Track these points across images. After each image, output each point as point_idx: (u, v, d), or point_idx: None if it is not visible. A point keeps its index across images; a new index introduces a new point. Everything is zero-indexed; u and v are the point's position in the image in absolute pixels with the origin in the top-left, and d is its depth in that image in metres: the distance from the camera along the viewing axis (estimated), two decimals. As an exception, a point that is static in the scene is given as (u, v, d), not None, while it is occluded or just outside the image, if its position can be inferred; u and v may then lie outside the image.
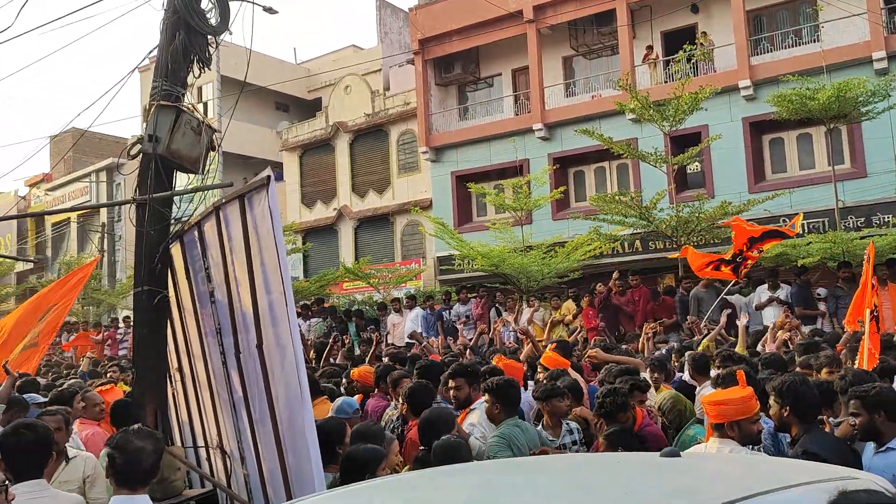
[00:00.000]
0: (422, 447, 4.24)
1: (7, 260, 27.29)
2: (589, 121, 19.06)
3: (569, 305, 12.92)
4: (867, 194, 15.65)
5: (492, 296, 13.71)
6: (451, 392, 5.27)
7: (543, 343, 10.36)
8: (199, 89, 27.62)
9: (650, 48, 19.57)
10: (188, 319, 5.20)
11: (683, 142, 15.66)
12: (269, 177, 3.54)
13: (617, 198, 13.30)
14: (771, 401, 4.08)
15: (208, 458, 5.17)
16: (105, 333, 17.28)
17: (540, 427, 5.06)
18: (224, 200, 4.10)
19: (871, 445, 3.90)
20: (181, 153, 4.88)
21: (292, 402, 3.59)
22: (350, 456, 3.67)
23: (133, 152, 4.96)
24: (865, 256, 7.08)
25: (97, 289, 23.20)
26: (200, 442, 5.28)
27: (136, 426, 3.45)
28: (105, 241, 28.16)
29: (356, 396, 6.57)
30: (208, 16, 5.14)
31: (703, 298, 11.16)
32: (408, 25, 24.62)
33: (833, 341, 7.51)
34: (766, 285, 11.86)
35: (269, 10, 18.37)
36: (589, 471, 2.57)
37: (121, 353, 16.93)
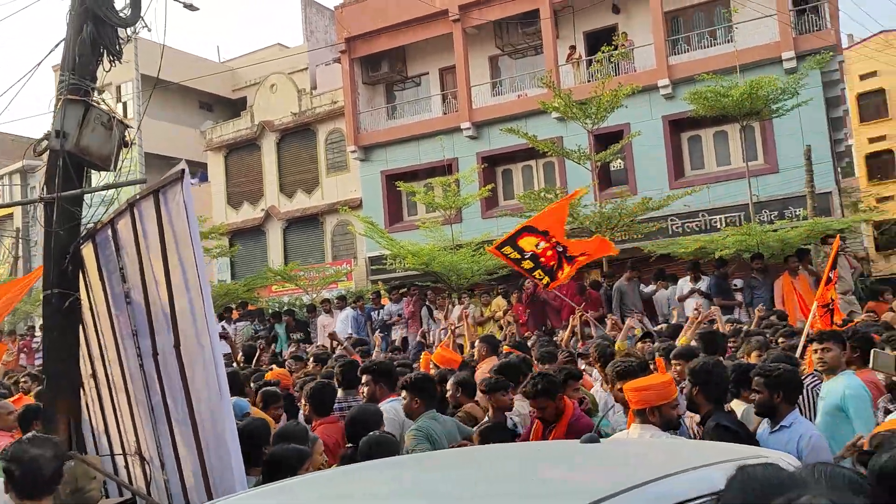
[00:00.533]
0: (349, 444, 4.20)
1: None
2: (515, 119, 19.26)
3: (499, 302, 13.03)
4: (779, 189, 16.34)
5: (423, 294, 13.71)
6: (361, 388, 5.32)
7: (472, 341, 10.46)
8: (119, 88, 26.73)
9: (573, 48, 19.94)
10: (102, 323, 5.00)
11: (607, 140, 16.01)
12: (182, 170, 3.43)
13: (543, 195, 13.50)
14: (685, 381, 4.23)
15: (126, 466, 4.99)
16: (20, 342, 16.51)
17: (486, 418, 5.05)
18: (138, 196, 3.96)
19: (766, 424, 4.10)
20: (91, 150, 4.69)
21: (213, 403, 3.50)
22: (273, 457, 3.60)
23: (40, 149, 4.74)
24: (830, 251, 6.82)
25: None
26: (118, 450, 5.09)
27: (30, 434, 3.32)
28: (20, 246, 26.90)
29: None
30: (119, 6, 4.96)
31: (625, 291, 11.44)
32: (334, 24, 24.39)
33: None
34: (688, 277, 12.26)
35: (190, 7, 17.91)
36: (507, 460, 2.59)
37: (37, 362, 16.20)
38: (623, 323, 9.16)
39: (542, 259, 9.29)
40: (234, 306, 16.59)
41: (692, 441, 3.64)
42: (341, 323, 13.70)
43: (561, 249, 9.24)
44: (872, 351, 3.83)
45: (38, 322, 21.37)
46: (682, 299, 11.98)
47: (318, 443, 4.14)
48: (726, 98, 12.80)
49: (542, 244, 9.20)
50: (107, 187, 4.65)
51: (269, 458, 3.60)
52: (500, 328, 12.57)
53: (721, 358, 5.63)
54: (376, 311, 14.17)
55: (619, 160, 18.08)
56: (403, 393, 4.90)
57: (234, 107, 28.98)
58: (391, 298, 14.03)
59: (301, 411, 5.61)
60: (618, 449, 2.93)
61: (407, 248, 14.29)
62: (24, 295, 10.07)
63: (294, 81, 24.33)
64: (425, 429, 4.44)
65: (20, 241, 27.83)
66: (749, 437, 3.94)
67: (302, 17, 26.62)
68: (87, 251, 4.87)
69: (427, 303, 13.55)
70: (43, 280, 4.66)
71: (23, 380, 9.42)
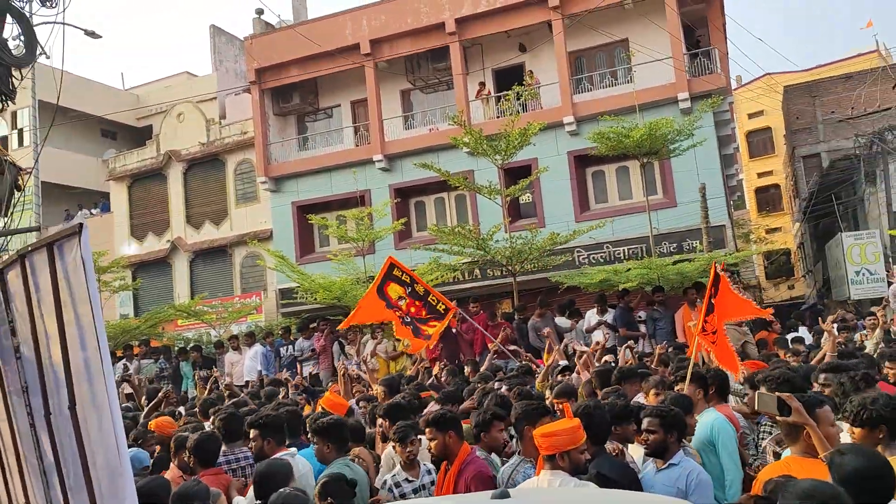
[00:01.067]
0: (258, 501, 4.11)
1: None
2: (428, 153, 19.51)
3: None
4: (677, 222, 17.15)
5: (333, 329, 13.56)
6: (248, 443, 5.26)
7: (378, 378, 10.38)
8: (14, 115, 25.49)
9: (482, 84, 20.42)
10: (-10, 377, 4.74)
11: (516, 174, 16.42)
12: (80, 224, 3.32)
13: (457, 230, 13.68)
14: None
15: (15, 529, 4.71)
16: None
17: (398, 468, 5.01)
18: (30, 248, 3.79)
19: (650, 464, 4.28)
20: (-19, 196, 4.48)
21: (111, 467, 3.36)
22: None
23: (-78, 195, 4.49)
24: (709, 279, 6.63)
25: None
26: (6, 511, 4.81)
27: None
28: None
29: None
30: (13, 45, 4.79)
31: (539, 327, 11.67)
32: (243, 53, 24.11)
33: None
34: (594, 309, 12.64)
35: (93, 35, 17.39)
36: None
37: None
38: (536, 361, 9.36)
39: (410, 310, 9.27)
40: (135, 343, 15.95)
41: (601, 490, 3.75)
42: (250, 360, 13.39)
43: (429, 300, 9.27)
44: (756, 393, 4.07)
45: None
46: (589, 331, 12.32)
47: (220, 498, 4.05)
48: (627, 139, 13.40)
49: (404, 299, 9.21)
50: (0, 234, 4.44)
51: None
52: (414, 363, 12.59)
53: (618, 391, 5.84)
54: (285, 347, 13.91)
55: (528, 194, 18.56)
56: (315, 438, 4.91)
57: (139, 135, 28.11)
58: (302, 335, 13.80)
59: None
60: (544, 500, 2.99)
61: (318, 281, 14.14)
62: None
63: (202, 111, 23.84)
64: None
65: None
66: (632, 482, 4.09)
67: (210, 46, 26.19)
68: (-28, 302, 4.61)
69: (339, 338, 13.41)
70: (-77, 334, 4.38)
71: None
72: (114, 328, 17.40)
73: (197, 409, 8.13)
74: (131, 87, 29.87)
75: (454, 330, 12.10)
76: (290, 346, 13.93)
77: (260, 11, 22.87)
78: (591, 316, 12.62)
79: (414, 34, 20.15)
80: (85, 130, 27.11)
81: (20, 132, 26.09)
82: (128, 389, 10.76)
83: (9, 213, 4.58)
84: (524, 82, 17.79)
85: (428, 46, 20.07)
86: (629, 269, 13.54)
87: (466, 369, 9.95)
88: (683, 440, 4.44)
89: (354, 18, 20.79)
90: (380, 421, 6.13)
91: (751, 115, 36.99)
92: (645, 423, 4.24)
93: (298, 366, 12.92)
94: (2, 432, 4.71)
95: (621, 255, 17.19)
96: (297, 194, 21.68)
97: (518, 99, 16.83)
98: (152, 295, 23.39)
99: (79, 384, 3.56)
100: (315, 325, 13.80)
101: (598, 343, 9.48)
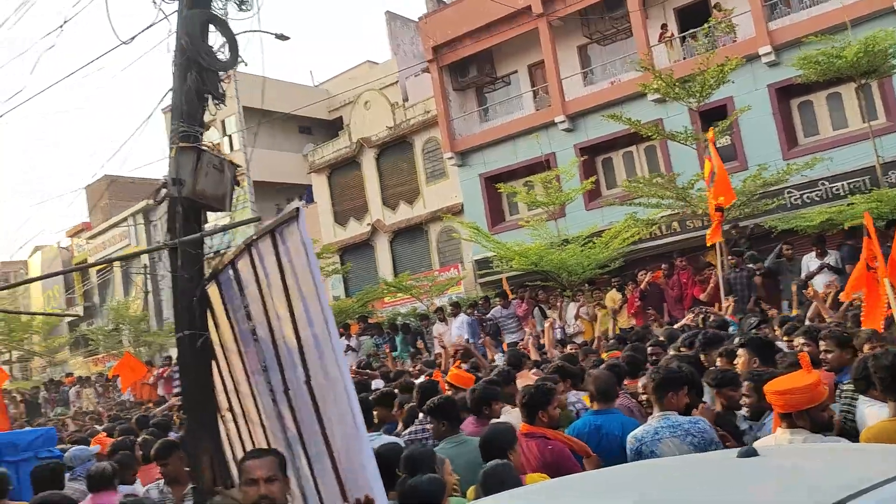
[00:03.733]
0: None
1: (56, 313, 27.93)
2: (611, 107, 18.82)
3: (613, 296, 12.72)
4: (908, 147, 15.12)
5: (533, 294, 13.54)
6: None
7: (601, 335, 10.18)
8: (223, 122, 28.00)
9: (665, 27, 19.25)
10: (233, 359, 5.17)
11: (708, 117, 15.33)
12: (297, 209, 3.47)
13: (656, 181, 13.00)
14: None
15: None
16: (158, 371, 17.52)
17: None
18: (255, 237, 4.06)
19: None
20: (206, 193, 4.86)
21: (348, 437, 3.51)
22: (413, 490, 3.57)
23: (159, 198, 4.96)
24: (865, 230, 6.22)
25: (146, 330, 23.62)
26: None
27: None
28: (148, 282, 28.63)
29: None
30: (218, 51, 5.12)
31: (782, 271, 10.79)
32: (419, 34, 24.64)
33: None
34: (813, 253, 11.52)
35: (281, 37, 18.47)
36: (693, 476, 2.45)
37: (175, 391, 17.16)
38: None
39: None
40: (351, 322, 16.98)
41: (863, 445, 3.33)
42: (457, 329, 13.74)
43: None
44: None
45: (173, 352, 22.67)
46: (810, 277, 11.25)
47: (445, 464, 4.11)
48: (840, 59, 11.96)
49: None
50: (224, 228, 4.81)
51: (407, 490, 3.57)
52: (615, 322, 12.26)
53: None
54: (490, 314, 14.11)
55: (727, 136, 17.28)
56: (430, 417, 5.11)
57: (332, 127, 29.75)
58: (501, 304, 13.89)
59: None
60: (798, 458, 2.71)
61: (513, 249, 14.14)
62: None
63: (387, 96, 24.72)
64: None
65: (147, 276, 29.60)
66: None
67: (388, 32, 27.00)
68: (213, 291, 5.04)
69: (539, 303, 13.37)
70: (175, 323, 4.86)
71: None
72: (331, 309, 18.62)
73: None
74: (320, 83, 31.63)
75: (660, 286, 11.60)
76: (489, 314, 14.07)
77: (431, -11, 23.18)
78: (810, 260, 11.51)
79: (587, -15, 19.42)
80: (284, 129, 29.15)
81: (230, 138, 28.63)
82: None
83: (231, 207, 4.92)
84: (712, 18, 16.46)
85: (602, -4, 19.25)
86: (851, 205, 12.16)
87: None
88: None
89: (523, -21, 20.41)
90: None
91: None
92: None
93: (501, 333, 13.04)
94: (248, 410, 5.12)
95: (840, 190, 15.51)
96: (483, 166, 21.87)
97: (707, 37, 15.66)
98: (359, 276, 24.81)
99: (311, 360, 3.73)
100: (514, 292, 13.85)
101: (828, 286, 8.59)
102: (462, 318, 14.00)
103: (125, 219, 30.47)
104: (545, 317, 13.06)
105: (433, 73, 22.44)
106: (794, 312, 9.10)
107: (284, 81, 29.30)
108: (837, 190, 15.62)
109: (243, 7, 5.05)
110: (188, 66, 4.90)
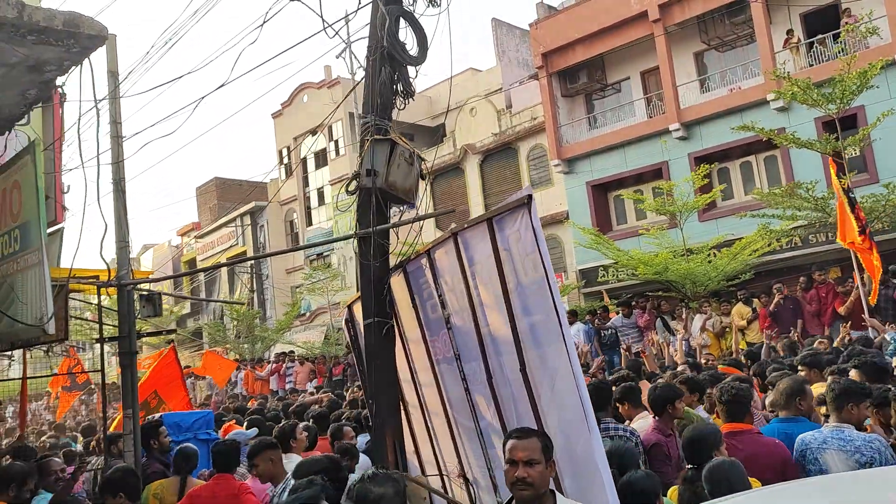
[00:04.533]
0: (690, 465, 4.03)
1: (173, 307, 29.23)
2: (729, 115, 18.42)
3: (740, 309, 12.25)
4: None
5: (655, 305, 13.23)
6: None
7: (729, 350, 9.86)
8: (330, 129, 28.71)
9: (790, 32, 18.55)
10: (413, 348, 5.24)
11: (833, 127, 14.65)
12: (528, 196, 3.48)
13: (797, 190, 12.43)
14: None
15: (444, 487, 5.15)
16: (273, 366, 18.04)
17: None
18: (465, 225, 4.10)
19: None
20: (397, 185, 4.96)
21: (568, 427, 3.47)
22: (629, 485, 3.51)
23: (351, 188, 5.08)
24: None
25: (255, 326, 24.40)
26: (431, 470, 5.28)
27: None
28: (254, 280, 29.59)
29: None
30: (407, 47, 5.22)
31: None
32: (525, 42, 24.63)
33: None
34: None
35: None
36: None
37: (287, 386, 17.63)
38: None
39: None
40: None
41: None
42: (573, 337, 13.54)
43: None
44: None
45: (276, 350, 23.33)
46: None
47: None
48: None
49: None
50: (418, 218, 4.89)
51: (624, 486, 3.51)
52: (743, 336, 11.84)
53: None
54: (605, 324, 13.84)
55: (856, 147, 16.46)
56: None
57: (432, 134, 30.05)
58: (622, 313, 13.62)
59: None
60: None
61: (638, 257, 13.85)
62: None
63: (493, 103, 24.79)
64: None
65: (253, 275, 30.61)
66: None
67: (493, 39, 27.10)
68: (395, 281, 5.13)
69: (661, 314, 13.05)
70: (363, 310, 4.96)
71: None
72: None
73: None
74: (423, 90, 32.02)
75: (798, 299, 11.12)
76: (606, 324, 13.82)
77: (542, -4, 23.15)
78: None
79: (706, -10, 18.96)
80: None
81: (336, 143, 29.33)
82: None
83: (417, 200, 4.99)
84: (845, 23, 15.75)
85: (723, 1, 18.72)
86: None
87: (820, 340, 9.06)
88: None
89: (640, -14, 20.11)
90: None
91: None
92: None
93: (623, 342, 12.76)
94: (427, 399, 5.17)
95: None
96: (590, 174, 21.60)
97: (835, 41, 14.95)
98: (458, 282, 24.84)
99: (526, 348, 3.71)
100: (635, 302, 13.55)
101: None
102: (578, 326, 13.80)
103: (233, 219, 31.62)
104: (667, 328, 12.74)
105: (542, 80, 22.35)
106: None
107: (389, 88, 29.79)
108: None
109: (433, 3, 5.12)
110: (382, 60, 5.01)
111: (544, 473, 2.99)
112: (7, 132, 5.09)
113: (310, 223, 30.14)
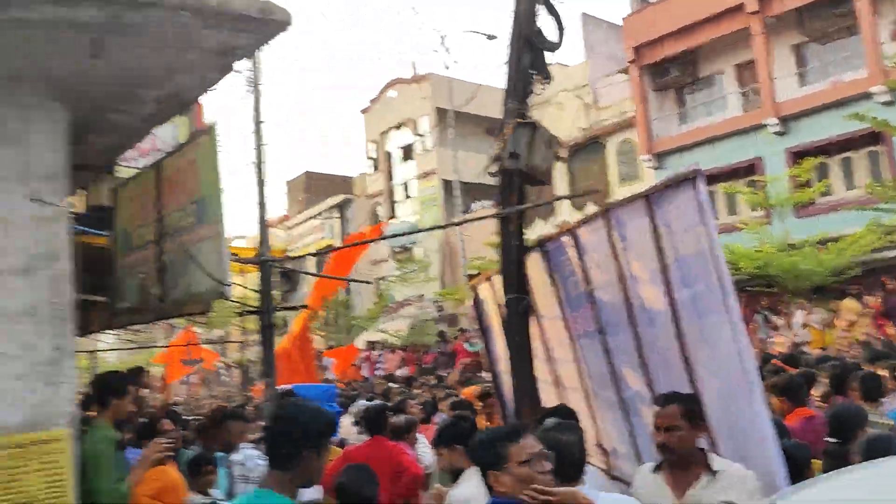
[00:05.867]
0: (834, 440, 4.10)
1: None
2: (829, 108, 17.94)
3: (848, 304, 11.98)
4: None
5: (755, 300, 13.05)
6: None
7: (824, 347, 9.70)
8: (415, 122, 29.18)
9: (898, 22, 17.89)
10: (547, 325, 5.44)
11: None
12: (696, 170, 3.63)
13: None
14: None
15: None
16: (363, 354, 18.57)
17: None
18: (619, 203, 4.27)
19: None
20: (536, 167, 5.15)
21: (729, 397, 3.58)
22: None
23: (492, 170, 5.31)
24: None
25: (346, 315, 25.06)
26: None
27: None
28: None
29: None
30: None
31: None
32: (612, 36, 24.44)
33: None
34: None
35: (490, 37, 19.16)
36: None
37: (377, 373, 18.12)
38: None
39: None
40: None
41: None
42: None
43: None
44: None
45: (364, 337, 23.87)
46: None
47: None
48: None
49: None
50: (556, 199, 5.08)
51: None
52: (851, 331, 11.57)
53: None
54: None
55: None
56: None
57: (517, 129, 30.14)
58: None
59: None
60: None
61: (739, 250, 13.66)
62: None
63: (581, 98, 24.72)
64: None
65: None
66: None
67: (581, 34, 26.95)
68: (531, 260, 5.33)
69: (761, 309, 12.87)
70: (505, 287, 5.18)
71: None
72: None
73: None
74: (507, 86, 32.16)
75: None
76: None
77: (634, -12, 22.94)
78: None
79: (808, -19, 18.48)
80: (472, 130, 29.91)
81: (421, 136, 29.78)
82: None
83: (551, 181, 5.17)
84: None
85: (827, -8, 18.21)
86: None
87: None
88: None
89: (737, -23, 19.73)
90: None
91: None
92: None
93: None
94: (562, 374, 5.36)
95: None
96: (681, 168, 21.24)
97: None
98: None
99: (685, 319, 3.84)
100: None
101: None
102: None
103: (321, 212, 32.47)
104: (768, 323, 12.56)
105: (633, 74, 22.17)
106: None
107: (473, 83, 30.04)
108: None
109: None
110: (523, 47, 5.23)
111: (685, 437, 3.15)
112: (179, 114, 5.52)
113: (393, 216, 30.70)
